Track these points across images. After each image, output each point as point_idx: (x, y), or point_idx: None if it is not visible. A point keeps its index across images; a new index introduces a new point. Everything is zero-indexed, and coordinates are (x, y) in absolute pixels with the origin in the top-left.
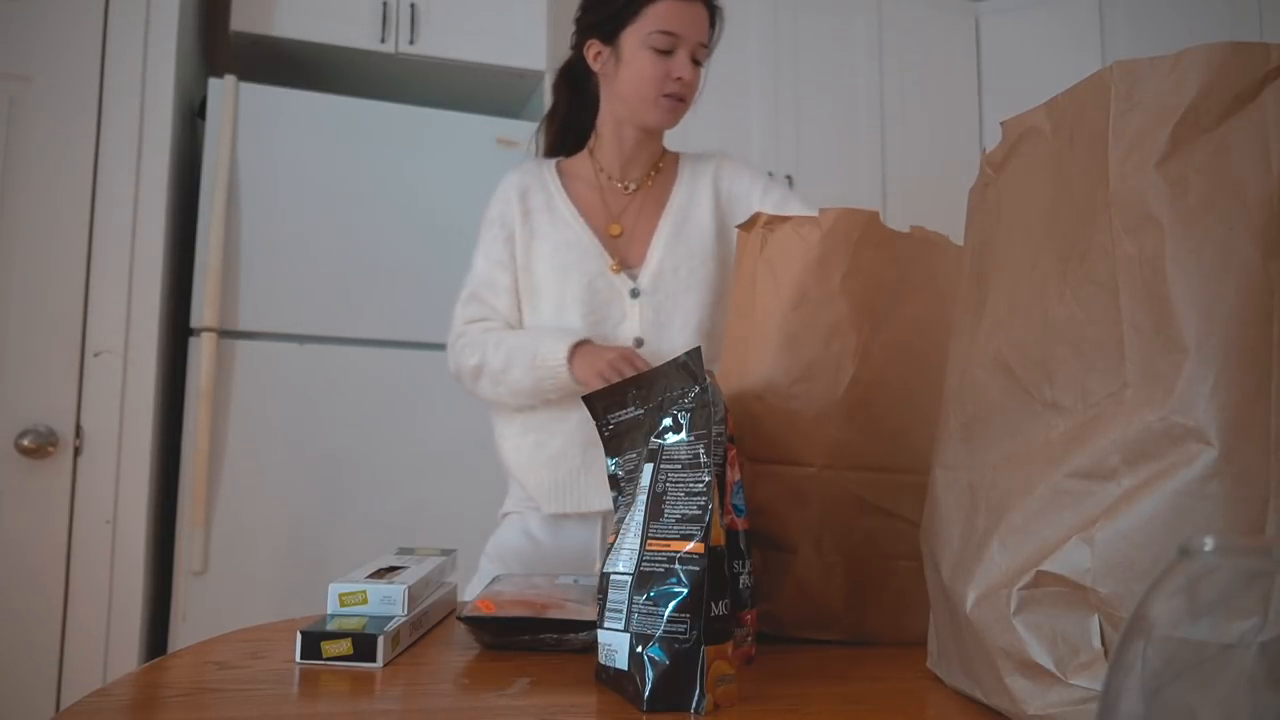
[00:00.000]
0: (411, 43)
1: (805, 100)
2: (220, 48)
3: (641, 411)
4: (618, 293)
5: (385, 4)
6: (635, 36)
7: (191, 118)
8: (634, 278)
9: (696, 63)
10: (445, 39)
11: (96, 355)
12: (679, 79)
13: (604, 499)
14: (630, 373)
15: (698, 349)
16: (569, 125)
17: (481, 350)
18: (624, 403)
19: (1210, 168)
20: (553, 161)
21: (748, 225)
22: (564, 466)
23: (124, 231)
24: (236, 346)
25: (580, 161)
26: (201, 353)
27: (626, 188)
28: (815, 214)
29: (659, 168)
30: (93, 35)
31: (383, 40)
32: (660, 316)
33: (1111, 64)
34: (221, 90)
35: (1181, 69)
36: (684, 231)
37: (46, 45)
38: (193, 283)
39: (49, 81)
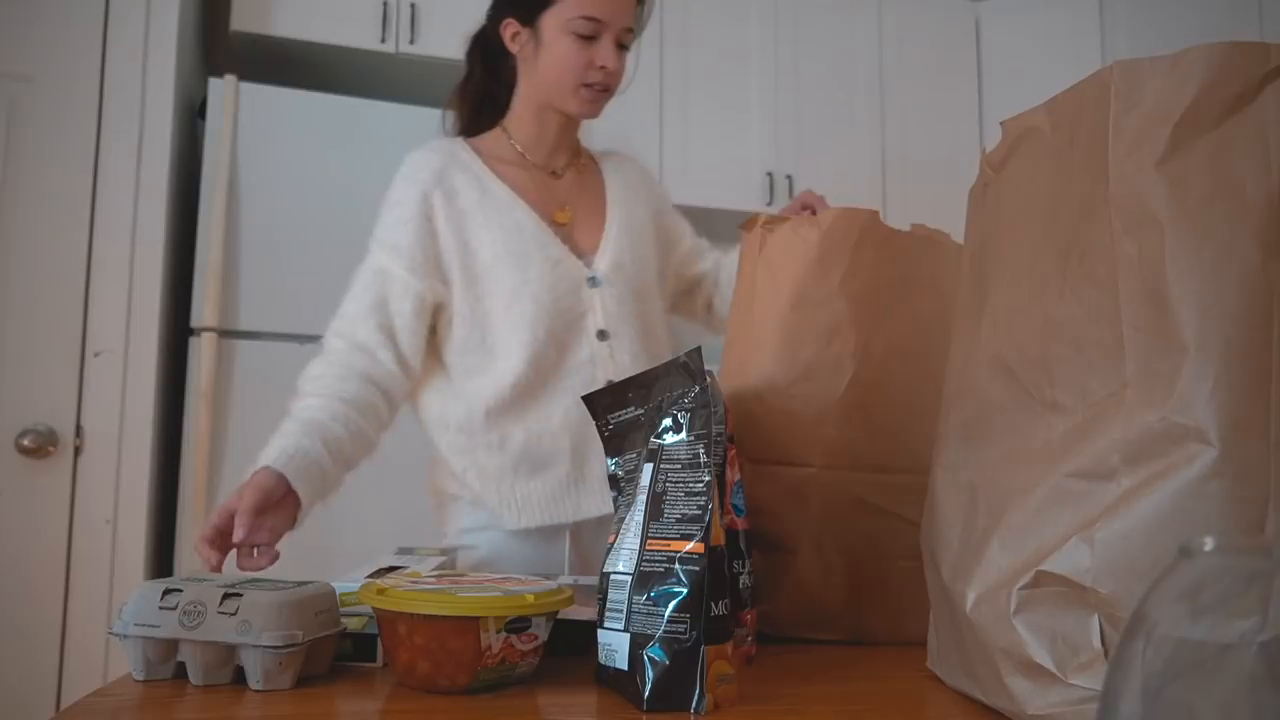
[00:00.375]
0: (411, 43)
1: (805, 100)
2: (220, 48)
3: (641, 411)
4: (574, 280)
5: (385, 4)
6: (556, 20)
7: (191, 118)
8: (590, 265)
9: (623, 47)
10: (445, 39)
11: (96, 355)
12: (602, 68)
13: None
14: (218, 522)
15: (698, 349)
16: (484, 99)
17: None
18: (624, 403)
19: (1210, 168)
20: (460, 140)
21: (748, 225)
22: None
23: (124, 231)
24: (236, 346)
25: (496, 141)
26: (201, 353)
27: (555, 173)
28: (719, 265)
29: (579, 155)
30: (93, 35)
31: (383, 40)
32: (623, 308)
33: (1111, 64)
34: (221, 90)
35: (1181, 69)
36: (632, 226)
37: (46, 45)
38: (193, 283)
39: (49, 81)
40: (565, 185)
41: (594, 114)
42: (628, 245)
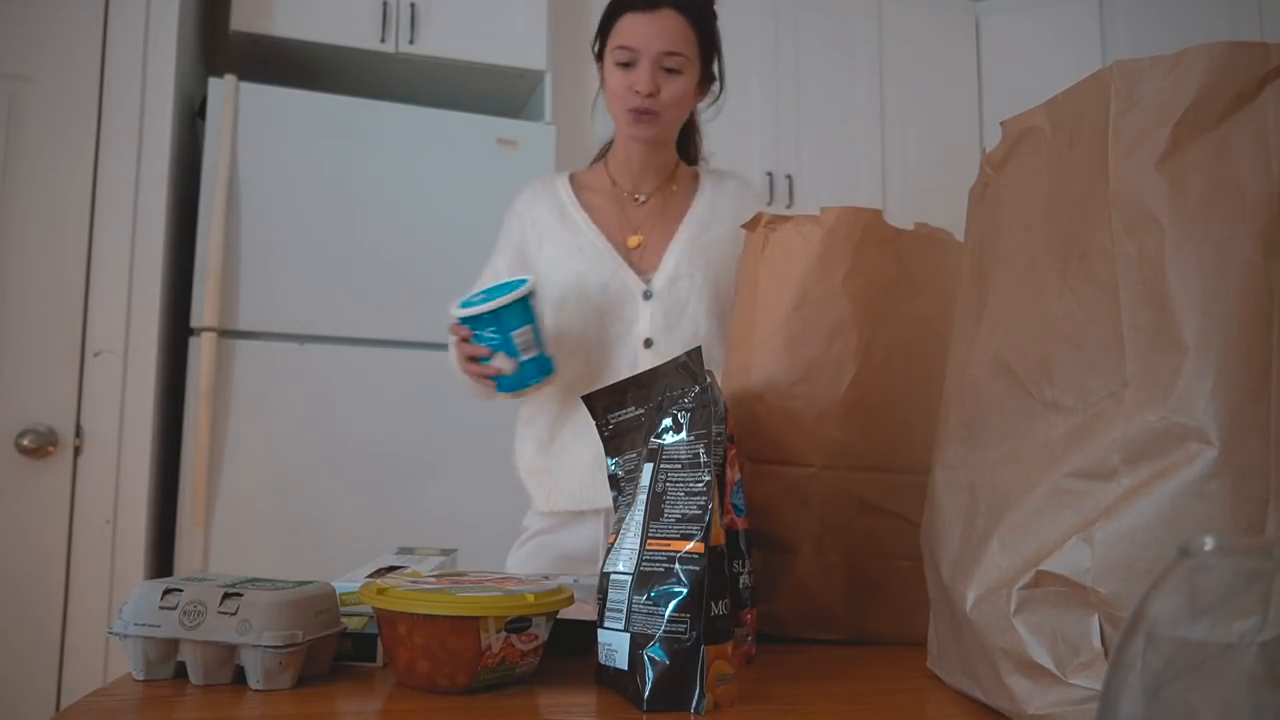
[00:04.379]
0: (411, 42)
1: (805, 100)
2: (220, 48)
3: (641, 411)
4: (631, 294)
5: (385, 4)
6: (608, 53)
7: (191, 118)
8: (648, 281)
9: (673, 71)
10: (445, 39)
11: (96, 355)
12: (637, 92)
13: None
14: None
15: (698, 349)
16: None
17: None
18: (624, 403)
19: (1210, 168)
20: (566, 173)
21: (751, 225)
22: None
23: (124, 231)
24: (236, 346)
25: (595, 173)
26: (201, 353)
27: (638, 199)
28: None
29: (674, 180)
30: (93, 35)
31: (383, 40)
32: (669, 319)
33: (1111, 64)
34: (221, 90)
35: (1181, 69)
36: (702, 242)
37: (46, 45)
38: (193, 283)
39: (49, 81)
40: (644, 211)
41: (643, 137)
42: (689, 261)
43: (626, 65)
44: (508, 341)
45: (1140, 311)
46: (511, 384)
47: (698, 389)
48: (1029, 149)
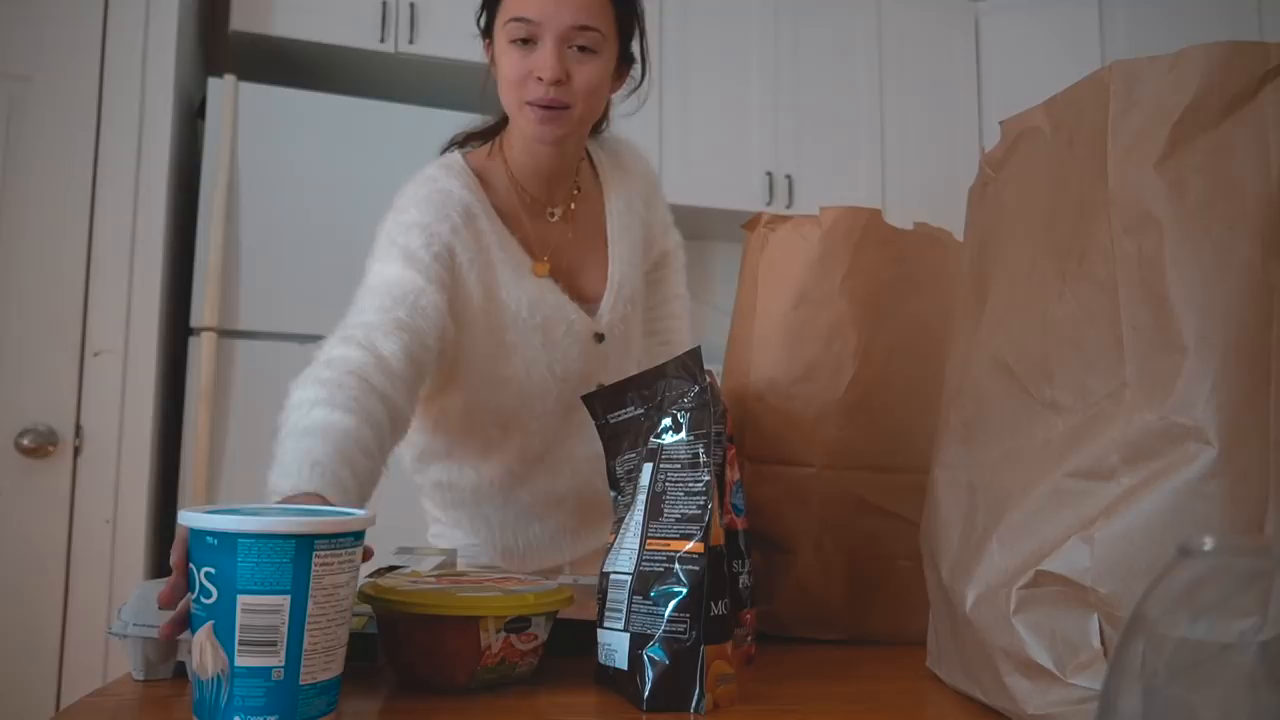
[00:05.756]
0: (411, 42)
1: (805, 100)
2: (220, 48)
3: (641, 411)
4: (587, 342)
5: (385, 4)
6: (499, 30)
7: (191, 118)
8: (594, 317)
9: (586, 50)
10: (445, 39)
11: (96, 355)
12: (540, 79)
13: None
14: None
15: (698, 348)
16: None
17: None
18: (623, 402)
19: (1210, 168)
20: (468, 171)
21: (751, 224)
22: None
23: (124, 231)
24: (236, 346)
25: (495, 172)
26: (201, 352)
27: (551, 215)
28: (685, 315)
29: (577, 180)
30: (93, 35)
31: (382, 40)
32: (618, 362)
33: (1111, 64)
34: (221, 90)
35: (1181, 69)
36: (631, 265)
37: (46, 45)
38: (193, 282)
39: (49, 81)
40: (558, 228)
41: (547, 138)
42: (629, 292)
43: (525, 43)
44: (226, 614)
45: (1140, 311)
46: (203, 708)
47: (697, 389)
48: (1029, 149)
